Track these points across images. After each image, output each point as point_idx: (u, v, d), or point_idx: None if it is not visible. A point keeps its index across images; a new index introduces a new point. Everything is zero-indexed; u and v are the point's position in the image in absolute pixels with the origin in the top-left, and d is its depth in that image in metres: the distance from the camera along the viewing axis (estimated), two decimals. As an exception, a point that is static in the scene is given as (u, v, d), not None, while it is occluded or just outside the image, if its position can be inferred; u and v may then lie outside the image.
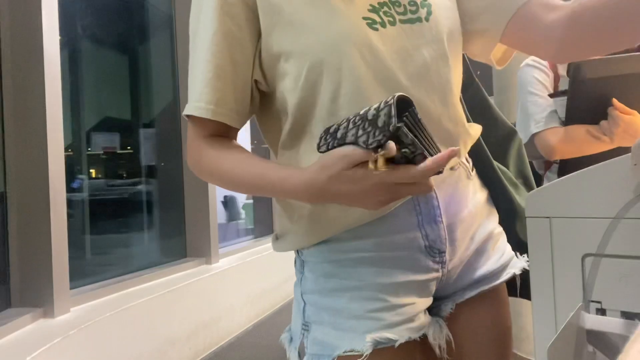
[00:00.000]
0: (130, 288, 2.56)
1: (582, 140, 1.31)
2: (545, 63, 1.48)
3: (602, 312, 0.70)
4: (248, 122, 0.79)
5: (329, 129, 0.60)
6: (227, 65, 0.68)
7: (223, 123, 0.70)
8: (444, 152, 0.54)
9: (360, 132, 0.55)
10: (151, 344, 2.43)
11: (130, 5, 3.38)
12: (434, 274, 0.72)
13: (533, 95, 1.44)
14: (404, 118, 0.54)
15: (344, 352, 0.67)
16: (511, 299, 0.86)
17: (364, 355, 0.66)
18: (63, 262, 2.05)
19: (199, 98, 0.68)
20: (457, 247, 0.73)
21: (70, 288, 2.13)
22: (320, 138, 0.60)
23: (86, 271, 2.67)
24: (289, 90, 0.68)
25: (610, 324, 0.68)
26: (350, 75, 0.65)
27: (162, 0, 3.45)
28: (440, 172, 0.57)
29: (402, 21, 0.69)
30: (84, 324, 1.97)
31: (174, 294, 2.65)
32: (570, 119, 1.33)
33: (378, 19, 0.68)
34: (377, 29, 0.67)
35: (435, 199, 0.71)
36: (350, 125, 0.57)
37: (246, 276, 3.56)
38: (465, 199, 0.75)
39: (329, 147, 0.59)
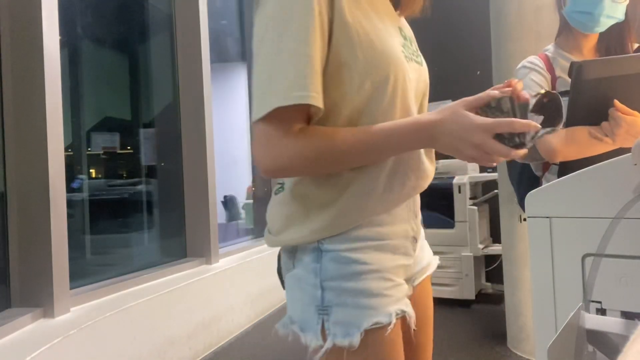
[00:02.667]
0: (130, 288, 2.56)
1: (584, 142, 1.31)
2: (542, 65, 1.47)
3: (602, 312, 0.70)
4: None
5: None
6: (321, 63, 0.75)
7: (307, 117, 0.76)
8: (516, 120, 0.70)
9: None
10: (151, 344, 2.43)
11: (130, 5, 3.38)
12: (411, 260, 0.89)
13: None
14: (525, 103, 0.70)
15: (370, 326, 0.77)
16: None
17: (392, 324, 0.78)
18: (63, 262, 2.05)
19: (305, 88, 0.72)
20: (418, 239, 0.92)
21: (70, 288, 2.12)
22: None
23: (86, 271, 2.67)
24: (348, 93, 0.78)
25: (610, 324, 0.68)
26: (401, 91, 0.81)
27: (162, 0, 3.45)
28: (520, 146, 0.70)
29: (414, 60, 0.88)
30: (84, 324, 1.97)
31: (174, 294, 2.65)
32: (571, 120, 1.33)
33: (406, 53, 0.85)
34: (408, 62, 0.85)
35: (415, 199, 0.90)
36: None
37: (246, 276, 3.56)
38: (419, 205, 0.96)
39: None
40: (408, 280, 0.90)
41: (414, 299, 0.90)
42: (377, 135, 0.75)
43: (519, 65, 1.50)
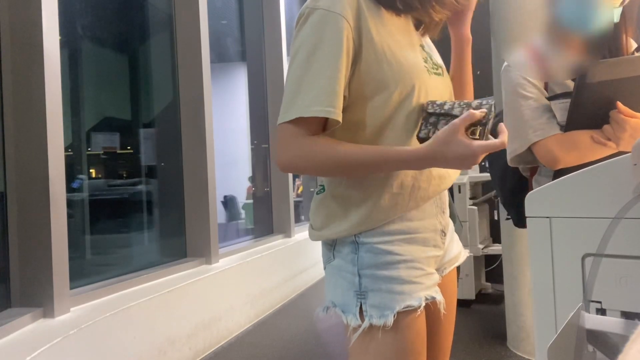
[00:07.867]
0: (130, 288, 2.56)
1: (586, 147, 1.25)
2: None
3: (602, 312, 0.70)
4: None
5: (427, 117, 0.88)
6: (344, 83, 0.88)
7: (322, 126, 0.88)
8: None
9: (464, 110, 0.85)
10: (151, 344, 2.43)
11: (130, 5, 3.39)
12: (441, 252, 0.99)
13: (527, 99, 1.34)
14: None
15: (403, 309, 0.88)
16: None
17: (421, 307, 0.89)
18: (63, 262, 2.05)
19: (330, 104, 0.85)
20: (447, 232, 1.02)
21: (70, 288, 2.12)
22: (420, 125, 0.88)
23: (86, 271, 2.67)
24: (376, 107, 0.90)
25: (610, 324, 0.68)
26: (424, 100, 0.91)
27: (162, 0, 3.45)
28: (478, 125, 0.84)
29: (435, 73, 0.97)
30: (84, 324, 1.97)
31: (174, 294, 2.65)
32: (572, 123, 1.27)
33: (428, 67, 0.95)
34: (429, 75, 0.95)
35: (442, 196, 1.00)
36: (456, 106, 0.87)
37: (246, 276, 3.56)
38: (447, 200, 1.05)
39: (429, 134, 0.86)
40: (438, 270, 1.00)
41: (441, 286, 0.98)
42: (375, 158, 0.87)
43: (507, 63, 1.41)
